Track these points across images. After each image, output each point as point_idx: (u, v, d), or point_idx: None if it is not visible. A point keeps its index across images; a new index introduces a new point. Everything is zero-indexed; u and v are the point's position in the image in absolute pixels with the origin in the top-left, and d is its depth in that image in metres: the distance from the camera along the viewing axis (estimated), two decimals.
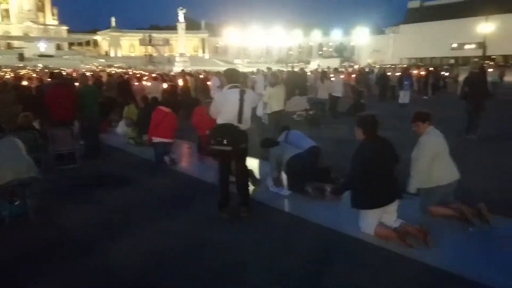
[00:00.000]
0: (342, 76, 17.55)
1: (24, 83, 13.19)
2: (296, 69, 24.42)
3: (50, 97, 8.03)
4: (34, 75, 26.46)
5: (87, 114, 8.35)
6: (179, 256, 4.06)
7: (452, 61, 67.34)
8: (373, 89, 20.73)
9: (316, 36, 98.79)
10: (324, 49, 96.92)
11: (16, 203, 5.00)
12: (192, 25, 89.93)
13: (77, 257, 4.08)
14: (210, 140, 4.86)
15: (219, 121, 4.79)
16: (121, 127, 10.56)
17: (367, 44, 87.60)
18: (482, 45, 54.89)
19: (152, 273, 3.73)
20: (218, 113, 4.81)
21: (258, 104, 8.80)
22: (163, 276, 3.69)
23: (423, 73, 22.98)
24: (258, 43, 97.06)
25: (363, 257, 3.94)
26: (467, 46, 74.46)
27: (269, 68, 21.04)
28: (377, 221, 4.27)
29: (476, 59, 59.76)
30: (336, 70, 16.72)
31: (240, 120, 4.74)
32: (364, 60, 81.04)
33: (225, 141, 4.67)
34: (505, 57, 69.36)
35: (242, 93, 4.77)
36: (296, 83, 18.65)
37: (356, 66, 45.90)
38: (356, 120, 4.42)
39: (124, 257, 4.08)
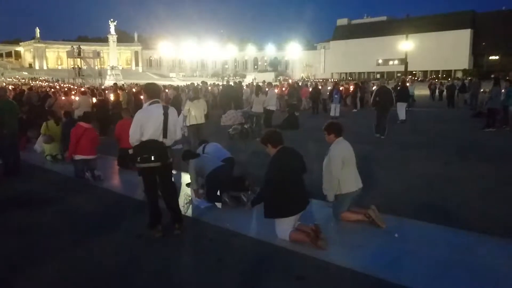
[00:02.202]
0: (276, 90, 17.92)
1: None
2: (231, 83, 24.59)
3: None
4: None
5: (7, 131, 7.72)
6: (109, 280, 3.81)
7: (378, 75, 71.82)
8: (304, 102, 21.44)
9: (251, 51, 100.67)
10: (259, 63, 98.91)
11: None
12: (124, 38, 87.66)
13: None
14: (135, 158, 4.63)
15: (143, 138, 4.58)
16: (39, 144, 9.91)
17: (300, 58, 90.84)
18: (403, 61, 59.15)
19: None
20: (141, 132, 4.57)
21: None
22: None
23: (351, 87, 24.17)
24: (193, 57, 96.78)
25: (279, 262, 3.99)
26: (391, 62, 80.00)
27: (204, 82, 21.02)
28: (292, 227, 4.47)
29: (399, 74, 64.41)
30: (270, 84, 17.04)
31: (165, 135, 4.64)
32: (298, 74, 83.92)
33: (152, 157, 4.54)
34: (425, 73, 75.47)
35: (165, 109, 4.70)
36: (231, 97, 18.78)
37: (290, 80, 47.21)
38: (262, 138, 4.69)
39: (47, 284, 3.74)
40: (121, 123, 8.25)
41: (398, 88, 16.89)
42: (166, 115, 4.64)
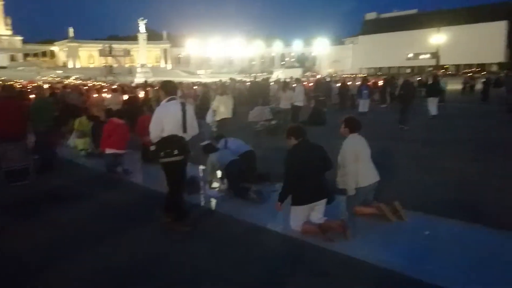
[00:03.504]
0: (304, 86, 17.80)
1: None
2: (258, 79, 24.60)
3: None
4: None
5: (42, 128, 8.03)
6: (138, 273, 3.93)
7: (408, 70, 70.15)
8: (333, 98, 21.20)
9: (278, 47, 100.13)
10: (286, 59, 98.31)
11: None
12: (153, 36, 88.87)
13: (22, 281, 3.85)
14: (158, 153, 4.77)
15: (163, 133, 4.73)
16: (72, 139, 10.35)
17: (327, 54, 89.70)
18: (435, 55, 57.46)
19: None
20: (161, 128, 4.72)
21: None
22: None
23: (380, 82, 23.72)
24: (220, 54, 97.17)
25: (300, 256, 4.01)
26: (422, 56, 77.83)
27: (232, 79, 21.14)
28: (305, 218, 4.65)
29: (430, 68, 62.67)
30: (297, 80, 16.95)
31: (185, 130, 4.83)
32: (325, 70, 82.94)
33: (175, 152, 4.72)
34: (457, 67, 73.05)
35: (183, 105, 4.90)
36: (258, 93, 18.81)
37: (318, 76, 46.79)
38: (287, 131, 4.86)
39: (78, 277, 3.90)
40: (142, 118, 8.44)
41: (429, 82, 16.48)
42: (184, 111, 4.84)
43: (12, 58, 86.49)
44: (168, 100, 4.88)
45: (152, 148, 4.91)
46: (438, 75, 19.22)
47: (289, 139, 4.79)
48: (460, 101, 22.43)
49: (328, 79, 29.72)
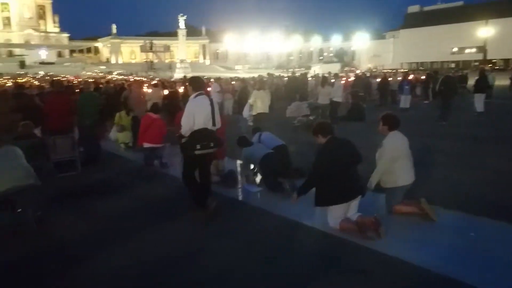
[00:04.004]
0: (342, 81, 17.54)
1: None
2: (296, 75, 24.46)
3: (49, 106, 8.03)
4: (36, 82, 26.54)
5: (88, 122, 8.36)
6: (171, 265, 4.03)
7: (452, 65, 67.41)
8: (373, 94, 20.74)
9: (316, 42, 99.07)
10: (325, 54, 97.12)
11: (18, 211, 4.99)
12: (192, 32, 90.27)
13: (70, 269, 4.04)
14: (194, 145, 4.93)
15: (195, 127, 4.94)
16: (113, 133, 10.73)
17: (367, 48, 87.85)
18: (482, 49, 54.94)
19: (147, 283, 3.70)
20: (192, 122, 4.94)
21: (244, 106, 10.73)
22: (150, 284, 3.67)
23: (423, 77, 22.96)
24: (258, 49, 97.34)
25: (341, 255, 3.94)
26: (467, 50, 74.70)
27: (270, 74, 21.12)
28: (342, 215, 4.59)
29: (476, 63, 59.99)
30: (336, 75, 16.71)
31: (214, 123, 5.09)
32: (365, 65, 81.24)
33: (211, 144, 4.98)
34: (506, 61, 69.48)
35: (210, 100, 5.16)
36: (296, 89, 18.69)
37: (358, 71, 45.89)
38: (313, 129, 4.81)
39: (118, 267, 4.04)
40: (181, 113, 8.54)
41: (476, 78, 15.78)
42: (212, 105, 5.11)
43: (59, 54, 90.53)
44: (196, 95, 5.08)
45: (184, 140, 5.09)
46: (486, 70, 18.35)
47: (316, 137, 4.74)
48: (510, 98, 21.33)
49: (367, 74, 29.08)
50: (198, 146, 4.91)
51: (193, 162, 5.15)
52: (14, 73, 54.36)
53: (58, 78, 33.13)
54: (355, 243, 4.28)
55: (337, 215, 4.59)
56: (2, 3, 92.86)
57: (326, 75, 19.68)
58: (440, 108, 13.06)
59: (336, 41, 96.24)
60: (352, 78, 24.73)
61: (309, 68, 67.10)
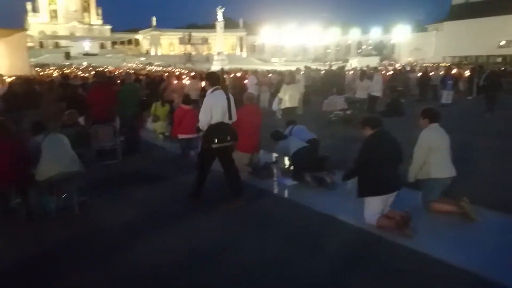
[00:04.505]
0: (381, 75, 17.12)
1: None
2: (333, 68, 24.11)
3: (92, 96, 8.33)
4: (80, 73, 27.55)
5: (129, 112, 8.61)
6: (205, 256, 4.09)
7: (499, 59, 64.28)
8: (412, 88, 20.11)
9: (355, 34, 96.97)
10: (363, 47, 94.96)
11: (63, 197, 5.25)
12: (230, 24, 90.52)
13: (109, 254, 4.20)
14: (212, 139, 5.10)
15: (212, 121, 5.10)
16: (150, 123, 11.03)
17: (407, 41, 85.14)
18: None
19: (182, 274, 3.78)
20: (210, 116, 5.09)
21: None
22: (192, 274, 3.75)
23: (467, 72, 22.04)
24: (295, 42, 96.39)
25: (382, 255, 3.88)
26: None
27: (307, 67, 20.93)
28: (380, 211, 4.55)
29: None
30: (375, 69, 16.35)
31: (230, 116, 5.23)
32: (405, 58, 78.90)
33: (228, 138, 5.15)
34: None
35: (227, 94, 5.28)
36: (333, 82, 18.44)
37: (397, 65, 44.64)
38: (362, 121, 4.84)
39: (155, 256, 4.15)
40: None
41: None
42: (228, 99, 5.23)
43: (102, 46, 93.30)
44: (213, 90, 5.23)
45: (201, 134, 5.28)
46: None
47: (364, 128, 4.72)
48: None
49: (407, 68, 28.24)
50: (215, 140, 5.08)
51: (210, 155, 5.31)
52: (60, 64, 56.74)
53: (101, 69, 34.20)
54: (391, 240, 4.22)
55: (374, 211, 4.57)
56: None
57: (365, 68, 19.30)
58: (484, 102, 13.01)
59: (375, 33, 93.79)
60: (390, 73, 24.07)
61: (346, 61, 65.93)
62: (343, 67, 24.88)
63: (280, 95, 10.46)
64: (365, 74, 13.42)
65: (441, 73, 19.79)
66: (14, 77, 17.36)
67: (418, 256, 3.90)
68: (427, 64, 41.96)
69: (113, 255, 4.15)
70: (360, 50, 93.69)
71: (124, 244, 4.40)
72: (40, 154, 4.99)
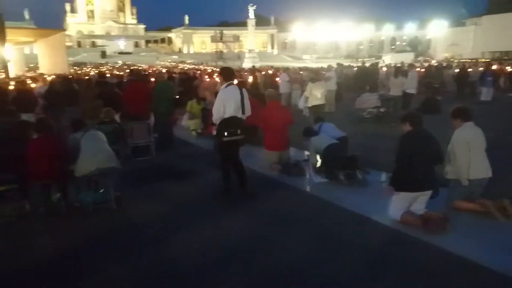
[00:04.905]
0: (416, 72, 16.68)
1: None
2: (366, 64, 23.70)
3: (127, 93, 8.55)
4: (116, 71, 28.28)
5: (162, 109, 8.78)
6: (240, 254, 4.12)
7: None
8: (448, 85, 19.47)
9: (388, 30, 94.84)
10: (397, 43, 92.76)
11: (100, 192, 5.42)
12: (261, 21, 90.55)
13: (144, 248, 4.29)
14: (222, 132, 5.24)
15: (225, 115, 5.23)
16: (185, 121, 11.19)
17: (444, 37, 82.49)
18: None
19: (213, 271, 3.82)
20: (223, 110, 5.23)
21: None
22: (222, 271, 3.78)
23: (508, 68, 21.15)
24: (327, 38, 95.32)
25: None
26: None
27: (339, 64, 20.69)
28: (405, 208, 4.53)
29: None
30: (411, 66, 15.94)
31: (243, 111, 5.36)
32: (441, 54, 76.51)
33: (238, 131, 5.27)
34: None
35: (240, 89, 5.38)
36: (366, 79, 18.12)
37: (433, 61, 43.35)
38: (403, 116, 4.78)
39: (189, 251, 4.21)
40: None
41: None
42: (242, 94, 5.33)
43: (136, 45, 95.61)
44: (227, 85, 5.35)
45: (215, 128, 5.42)
46: None
47: (403, 124, 4.67)
48: None
49: (444, 64, 27.41)
50: (225, 133, 5.22)
51: (226, 148, 5.43)
52: (96, 62, 58.54)
53: (136, 67, 34.99)
54: (417, 238, 4.17)
55: (400, 206, 4.55)
56: None
57: (399, 65, 18.85)
58: None
59: (410, 29, 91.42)
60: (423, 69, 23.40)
61: (379, 57, 64.62)
62: (377, 63, 24.42)
63: (306, 93, 10.47)
64: (399, 71, 13.09)
65: (480, 69, 19.09)
66: (54, 76, 18.06)
67: (442, 253, 3.84)
68: (464, 60, 40.49)
69: (147, 250, 4.24)
70: (394, 46, 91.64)
71: (157, 240, 4.48)
72: (79, 151, 5.17)
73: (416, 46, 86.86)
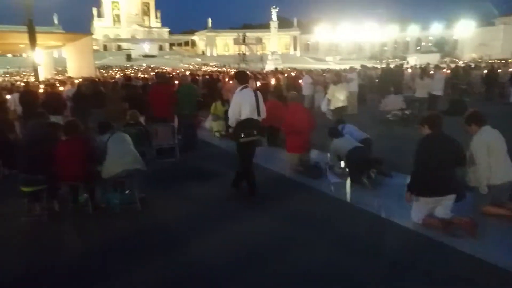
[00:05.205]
0: (443, 73, 16.32)
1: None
2: (391, 66, 23.34)
3: (152, 96, 8.68)
4: (140, 74, 28.77)
5: (186, 112, 8.88)
6: (263, 256, 4.13)
7: None
8: (476, 86, 18.94)
9: (414, 30, 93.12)
10: (423, 44, 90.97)
11: (126, 193, 5.52)
12: (284, 23, 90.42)
13: (169, 249, 4.35)
14: (239, 134, 5.41)
15: (241, 117, 5.41)
16: (209, 122, 11.26)
17: (471, 37, 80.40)
18: None
19: (236, 268, 3.87)
20: (239, 113, 5.41)
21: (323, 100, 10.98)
22: (246, 272, 3.81)
23: None
24: (350, 39, 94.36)
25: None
26: None
27: (363, 66, 20.46)
28: (427, 212, 4.45)
29: None
30: (437, 67, 15.61)
31: (259, 113, 5.51)
32: (468, 55, 74.59)
33: (255, 132, 5.45)
34: None
35: (255, 91, 5.57)
36: (391, 81, 17.83)
37: (460, 62, 42.30)
38: (421, 119, 4.78)
39: (212, 251, 4.26)
40: (268, 104, 8.77)
41: None
42: (257, 97, 5.51)
43: (160, 48, 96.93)
44: (242, 88, 5.53)
45: (231, 130, 5.63)
46: None
47: (422, 126, 4.63)
48: None
49: (472, 65, 26.73)
50: (242, 134, 5.38)
51: (245, 149, 5.60)
52: (121, 65, 59.71)
53: (161, 70, 35.51)
54: (441, 242, 4.10)
55: (422, 210, 4.48)
56: (113, 2, 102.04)
57: (425, 65, 18.51)
58: None
59: (436, 29, 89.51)
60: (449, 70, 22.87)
61: (404, 58, 63.52)
62: (402, 65, 24.00)
63: (328, 96, 10.48)
64: (425, 72, 12.84)
65: (510, 70, 18.53)
66: (81, 79, 18.51)
67: (466, 258, 3.78)
68: (493, 61, 39.34)
69: (173, 251, 4.30)
70: (419, 47, 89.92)
71: (182, 240, 4.55)
72: (106, 153, 5.28)
73: (443, 47, 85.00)
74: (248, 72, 6.60)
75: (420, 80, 12.16)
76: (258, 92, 5.68)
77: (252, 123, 5.45)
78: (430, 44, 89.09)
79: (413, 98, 12.48)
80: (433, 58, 53.04)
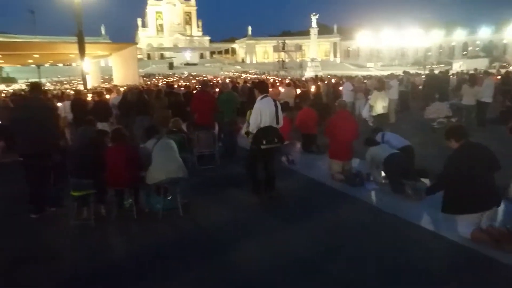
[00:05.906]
0: (493, 79, 15.58)
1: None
2: (436, 72, 22.58)
3: (195, 103, 8.84)
4: (182, 81, 29.46)
5: (227, 119, 8.97)
6: (305, 263, 4.09)
7: None
8: None
9: (460, 35, 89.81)
10: (470, 48, 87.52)
11: (168, 198, 5.64)
12: (324, 30, 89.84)
13: (212, 255, 4.39)
14: (261, 140, 5.66)
15: (261, 124, 5.68)
16: (244, 129, 11.27)
17: None
18: None
19: (277, 276, 3.84)
20: (260, 120, 5.68)
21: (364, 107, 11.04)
22: (287, 280, 3.79)
23: None
24: (392, 45, 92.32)
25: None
26: None
27: (405, 72, 19.95)
28: (475, 224, 4.25)
29: None
30: (486, 73, 14.93)
31: (278, 122, 5.81)
32: None
33: (276, 140, 5.74)
34: None
35: (275, 101, 5.87)
36: (436, 87, 17.24)
37: (511, 67, 40.25)
38: (446, 132, 4.60)
39: (251, 258, 4.26)
40: (301, 112, 9.31)
41: None
42: (276, 106, 5.81)
43: (201, 56, 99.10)
44: (262, 97, 5.81)
45: (250, 136, 5.90)
46: None
47: (448, 141, 4.48)
48: None
49: None
50: (264, 141, 5.64)
51: (258, 155, 5.88)
52: (164, 73, 61.48)
53: (202, 77, 36.22)
54: (489, 256, 3.91)
55: (470, 222, 4.27)
56: (157, 12, 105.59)
57: (472, 71, 17.76)
58: None
59: (484, 33, 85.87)
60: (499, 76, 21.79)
61: (449, 64, 61.39)
62: (447, 71, 23.16)
63: (370, 102, 10.35)
64: (475, 79, 12.30)
65: None
66: (126, 87, 19.20)
67: None
68: None
69: (213, 255, 4.34)
70: (465, 52, 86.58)
71: (223, 246, 4.57)
72: (151, 159, 5.42)
73: (491, 51, 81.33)
74: (265, 81, 6.89)
75: (469, 87, 11.66)
76: (277, 102, 5.97)
77: (273, 131, 5.77)
78: (477, 48, 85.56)
79: (460, 106, 11.99)
80: (481, 63, 50.92)
